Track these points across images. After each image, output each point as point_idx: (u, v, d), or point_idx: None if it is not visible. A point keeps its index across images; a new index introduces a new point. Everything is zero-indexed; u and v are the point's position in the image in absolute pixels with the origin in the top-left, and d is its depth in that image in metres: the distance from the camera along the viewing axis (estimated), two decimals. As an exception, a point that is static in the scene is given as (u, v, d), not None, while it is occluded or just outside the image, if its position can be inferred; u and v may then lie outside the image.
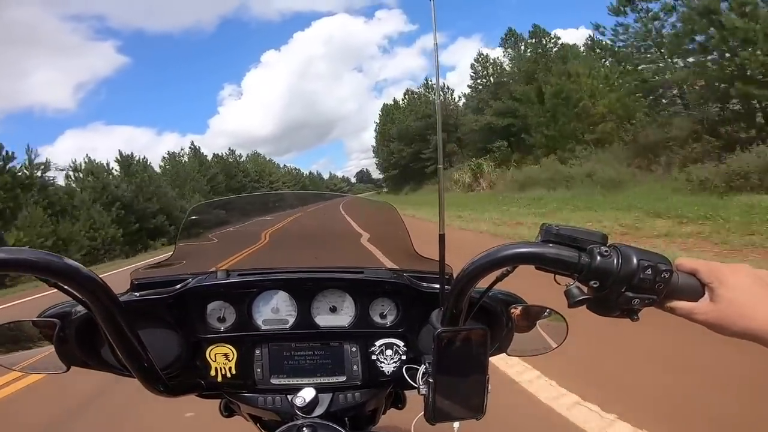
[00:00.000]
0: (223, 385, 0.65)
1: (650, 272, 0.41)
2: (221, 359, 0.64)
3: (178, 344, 0.63)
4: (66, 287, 0.45)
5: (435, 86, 0.51)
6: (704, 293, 0.43)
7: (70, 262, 0.43)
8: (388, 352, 0.65)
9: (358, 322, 0.65)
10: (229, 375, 0.64)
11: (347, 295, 0.66)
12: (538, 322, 0.65)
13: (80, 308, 0.57)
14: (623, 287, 0.42)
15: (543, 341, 0.65)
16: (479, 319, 0.64)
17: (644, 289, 0.41)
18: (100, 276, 0.46)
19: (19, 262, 0.41)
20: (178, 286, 0.63)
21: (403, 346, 0.65)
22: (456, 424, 0.56)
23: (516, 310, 0.63)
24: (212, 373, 0.64)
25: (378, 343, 0.65)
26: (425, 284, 0.65)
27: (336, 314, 0.66)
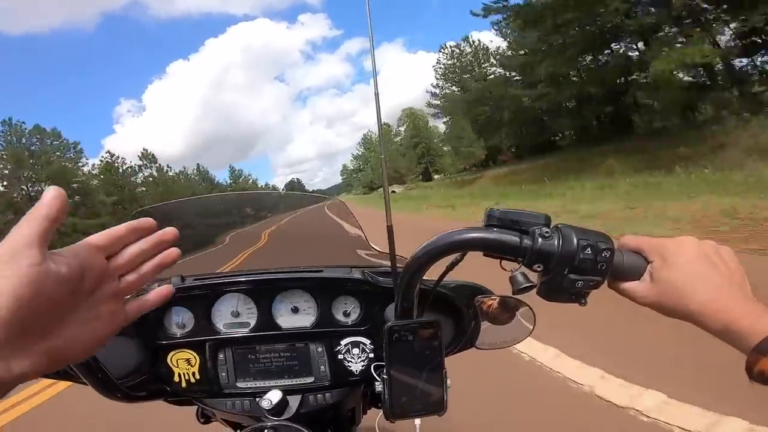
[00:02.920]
0: (188, 391, 0.64)
1: (590, 252, 0.39)
2: (184, 365, 0.63)
3: (137, 351, 0.62)
4: None
5: (372, 74, 0.50)
6: (645, 272, 0.41)
7: None
8: (355, 350, 0.64)
9: (322, 322, 0.64)
10: (193, 380, 0.63)
11: (308, 294, 0.65)
12: (506, 313, 0.63)
13: None
14: (566, 269, 0.40)
15: (511, 332, 0.63)
16: (442, 311, 0.63)
17: (586, 270, 0.40)
18: None
19: None
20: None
21: (370, 344, 0.64)
22: (417, 421, 0.55)
23: (491, 302, 0.62)
24: (176, 378, 0.63)
25: (344, 342, 0.64)
26: (383, 279, 0.64)
27: (298, 315, 0.65)
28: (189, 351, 0.63)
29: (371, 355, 0.64)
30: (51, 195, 0.28)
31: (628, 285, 0.42)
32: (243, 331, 0.63)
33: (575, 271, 0.40)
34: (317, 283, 0.64)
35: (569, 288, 0.41)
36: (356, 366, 0.64)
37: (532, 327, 0.62)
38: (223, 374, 0.63)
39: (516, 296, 0.62)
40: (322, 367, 0.64)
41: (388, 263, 0.66)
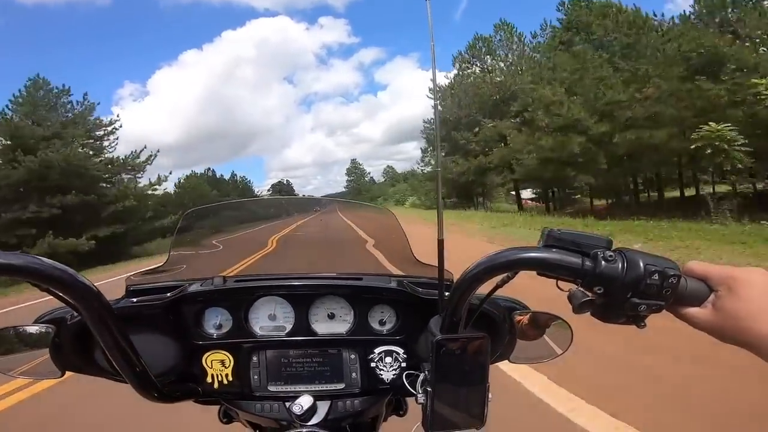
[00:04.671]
0: (219, 392, 0.64)
1: (657, 278, 0.39)
2: (218, 366, 0.63)
3: (173, 351, 0.62)
4: (57, 292, 0.45)
5: (433, 90, 0.50)
6: (708, 299, 0.42)
7: (61, 266, 0.43)
8: (388, 359, 0.64)
9: (357, 329, 0.64)
10: (225, 382, 0.63)
11: (345, 301, 0.64)
12: (544, 329, 0.63)
13: (75, 313, 0.57)
14: (629, 293, 0.40)
15: (547, 348, 0.63)
16: (480, 326, 0.63)
17: (651, 294, 0.40)
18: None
19: (5, 267, 0.40)
20: (174, 292, 0.62)
21: (403, 353, 0.64)
22: None
23: (522, 318, 0.62)
24: (209, 379, 0.63)
25: (377, 350, 0.64)
26: (424, 291, 0.64)
27: (334, 321, 0.64)
28: (224, 352, 0.63)
29: (403, 364, 0.64)
30: None
31: (690, 311, 0.42)
32: (279, 335, 0.63)
33: (638, 295, 0.40)
34: (356, 291, 0.64)
35: (629, 311, 0.41)
36: (387, 374, 0.64)
37: (569, 344, 0.62)
38: (255, 377, 0.63)
39: (549, 313, 0.63)
40: (354, 374, 0.63)
41: (426, 275, 0.66)
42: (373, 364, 0.64)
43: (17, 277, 0.41)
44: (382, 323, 0.65)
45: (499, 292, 0.52)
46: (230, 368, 0.63)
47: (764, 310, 0.38)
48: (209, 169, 52.77)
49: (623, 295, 0.40)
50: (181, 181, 44.26)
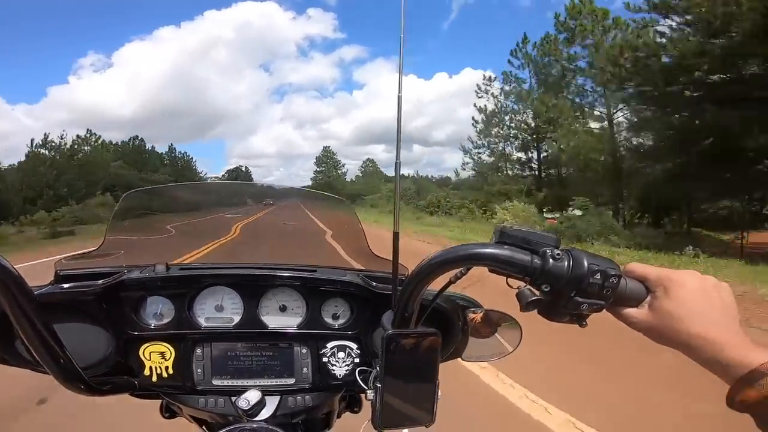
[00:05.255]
0: (158, 386, 0.60)
1: (599, 277, 0.40)
2: (157, 358, 0.59)
3: (106, 341, 0.58)
4: None
5: (399, 78, 0.49)
6: (645, 300, 0.43)
7: None
8: (341, 354, 0.63)
9: (309, 323, 0.62)
10: (165, 375, 0.60)
11: (298, 294, 0.63)
12: (495, 327, 0.64)
13: None
14: (573, 291, 0.41)
15: (498, 346, 0.64)
16: (433, 322, 0.63)
17: (593, 294, 0.41)
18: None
19: None
20: (109, 278, 0.58)
21: (356, 348, 0.63)
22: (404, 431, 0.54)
23: (476, 316, 0.62)
24: (146, 372, 0.59)
25: (330, 345, 0.63)
26: (379, 285, 0.63)
27: (286, 314, 0.63)
28: (165, 344, 0.59)
29: (356, 360, 0.63)
30: None
31: (627, 311, 0.44)
32: (226, 327, 0.61)
33: (581, 294, 0.41)
34: (309, 283, 0.62)
35: (572, 310, 0.42)
36: (340, 370, 0.63)
37: (518, 342, 0.63)
38: (199, 371, 0.60)
39: (500, 311, 0.64)
40: (305, 369, 0.62)
41: (382, 269, 0.65)
42: (325, 359, 0.62)
43: None
44: (335, 317, 0.64)
45: (454, 289, 0.52)
46: (171, 361, 0.59)
47: (695, 311, 0.40)
48: (136, 137, 41.20)
49: (567, 294, 0.41)
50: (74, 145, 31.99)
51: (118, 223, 0.73)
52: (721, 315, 0.41)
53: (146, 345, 0.59)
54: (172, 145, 44.91)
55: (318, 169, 51.50)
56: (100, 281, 0.58)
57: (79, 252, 0.65)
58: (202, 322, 0.61)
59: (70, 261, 0.62)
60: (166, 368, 0.59)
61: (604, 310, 0.44)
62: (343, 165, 53.06)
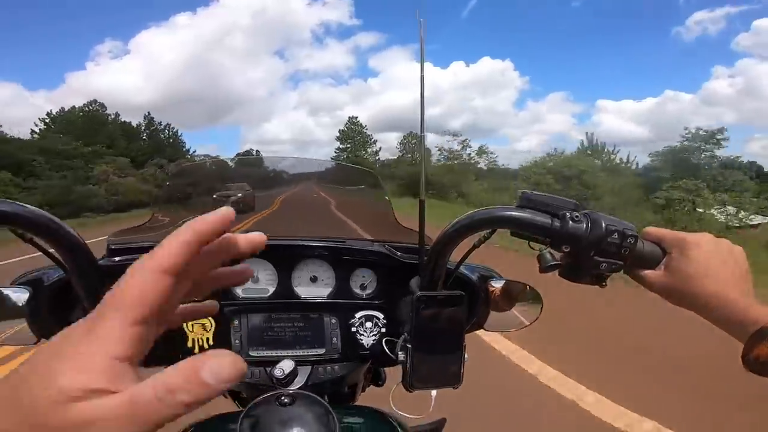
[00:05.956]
0: None
1: (617, 236, 0.43)
2: (199, 329, 0.63)
3: None
4: (41, 244, 0.44)
5: (420, 56, 0.51)
6: (662, 261, 0.45)
7: (48, 215, 0.42)
8: (368, 324, 0.66)
9: (338, 293, 0.66)
10: (206, 346, 0.63)
11: (328, 265, 0.66)
12: (516, 298, 0.66)
13: (53, 275, 0.56)
14: (592, 251, 0.43)
15: (519, 316, 0.66)
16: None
17: (611, 253, 0.43)
18: None
19: None
20: None
21: (383, 318, 0.66)
22: (433, 393, 0.57)
23: (496, 287, 0.65)
24: (189, 344, 0.63)
25: (358, 315, 0.66)
26: (405, 255, 0.66)
27: (316, 285, 0.66)
28: None
29: (383, 330, 0.66)
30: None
31: (645, 272, 0.46)
32: (262, 298, 0.64)
33: (600, 253, 0.43)
34: (338, 253, 0.66)
35: (592, 270, 0.44)
36: (368, 340, 0.66)
37: (539, 312, 0.65)
38: (237, 341, 0.63)
39: (521, 282, 0.66)
40: (334, 339, 0.65)
41: (409, 241, 0.68)
42: (353, 329, 0.65)
43: (3, 225, 0.40)
44: (363, 287, 0.67)
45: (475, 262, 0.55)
46: (211, 332, 0.63)
47: (710, 271, 0.42)
48: (94, 101, 33.51)
49: (587, 254, 0.44)
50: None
51: (164, 196, 0.76)
52: (735, 276, 0.42)
53: None
54: (149, 113, 36.56)
55: (342, 146, 39.12)
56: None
57: (129, 227, 0.69)
58: (240, 293, 0.64)
59: (119, 235, 0.66)
60: (207, 339, 0.63)
61: (622, 272, 0.47)
62: (375, 141, 40.05)
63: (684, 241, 0.45)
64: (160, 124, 36.58)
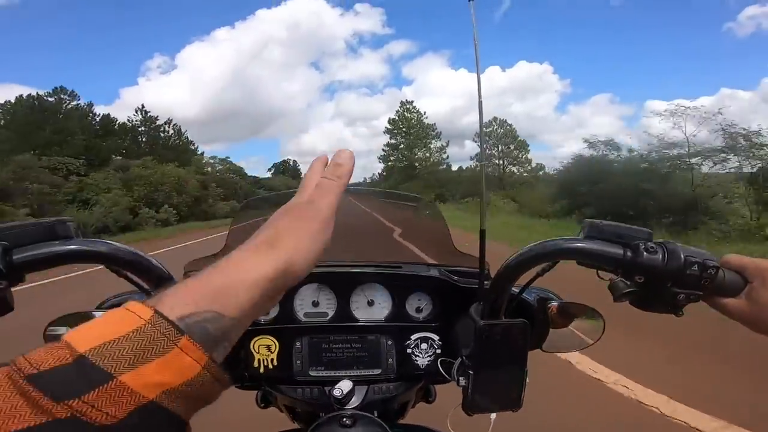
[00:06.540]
0: (264, 377, 0.67)
1: (697, 268, 0.41)
2: (264, 351, 0.66)
3: None
4: (133, 277, 0.48)
5: (476, 67, 0.49)
6: (744, 290, 0.44)
7: (139, 252, 0.47)
8: (423, 345, 0.67)
9: (395, 316, 0.67)
10: (270, 366, 0.66)
11: (385, 289, 0.67)
12: (576, 319, 0.65)
13: (139, 299, 0.60)
14: (669, 282, 0.42)
15: (578, 337, 0.65)
16: (516, 313, 0.65)
17: (690, 284, 0.42)
18: None
19: (92, 254, 0.44)
20: None
21: (438, 340, 0.67)
22: (493, 416, 0.57)
23: (555, 307, 0.64)
24: (255, 364, 0.66)
25: (413, 336, 0.66)
26: (462, 279, 0.66)
27: (373, 308, 0.67)
28: (271, 338, 0.66)
29: (438, 351, 0.66)
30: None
31: (725, 301, 0.44)
32: (321, 321, 0.66)
33: (678, 284, 0.42)
34: (395, 278, 0.67)
35: (668, 300, 0.43)
36: (422, 360, 0.66)
37: (600, 334, 0.64)
38: (298, 362, 0.66)
39: (581, 303, 0.65)
40: (390, 360, 0.66)
41: (464, 264, 0.68)
42: (409, 351, 0.66)
43: (101, 263, 0.45)
44: (419, 311, 0.68)
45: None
46: (275, 353, 0.66)
47: None
48: (59, 87, 29.69)
49: (663, 285, 0.42)
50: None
51: (238, 226, 0.81)
52: None
53: (256, 338, 0.66)
54: (143, 106, 33.01)
55: (392, 141, 30.92)
56: None
57: (205, 256, 0.73)
58: (302, 317, 0.67)
59: (195, 263, 0.71)
60: (271, 360, 0.66)
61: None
62: (439, 134, 32.23)
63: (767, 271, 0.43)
64: (158, 119, 33.06)
